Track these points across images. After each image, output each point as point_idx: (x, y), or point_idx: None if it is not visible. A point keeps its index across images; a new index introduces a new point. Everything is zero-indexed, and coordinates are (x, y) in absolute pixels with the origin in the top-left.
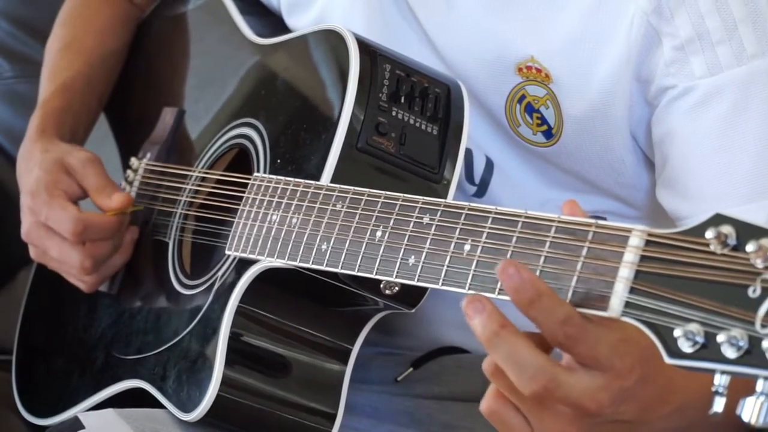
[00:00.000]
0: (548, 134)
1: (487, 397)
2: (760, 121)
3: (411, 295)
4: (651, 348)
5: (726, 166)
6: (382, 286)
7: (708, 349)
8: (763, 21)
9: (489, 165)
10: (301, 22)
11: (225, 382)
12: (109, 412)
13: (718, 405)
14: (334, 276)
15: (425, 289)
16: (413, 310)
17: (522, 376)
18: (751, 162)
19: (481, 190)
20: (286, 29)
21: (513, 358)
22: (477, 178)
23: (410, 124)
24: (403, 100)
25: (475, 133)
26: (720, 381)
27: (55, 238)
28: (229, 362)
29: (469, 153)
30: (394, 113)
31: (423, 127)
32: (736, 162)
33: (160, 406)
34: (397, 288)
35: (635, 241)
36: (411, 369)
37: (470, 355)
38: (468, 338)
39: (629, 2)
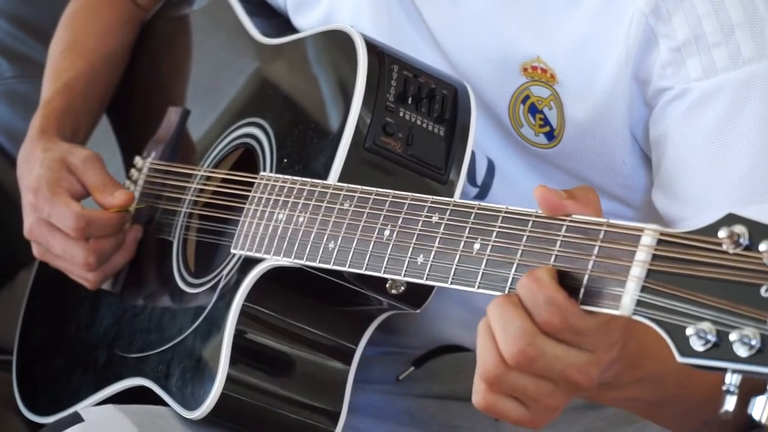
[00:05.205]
0: (550, 135)
1: (476, 392)
2: (754, 125)
3: (417, 295)
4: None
5: (718, 169)
6: (388, 285)
7: (720, 348)
8: (760, 25)
9: (490, 167)
10: (307, 20)
11: (229, 380)
12: (108, 407)
13: (730, 403)
14: (340, 275)
15: (431, 289)
16: (418, 311)
17: (506, 337)
18: (743, 166)
19: (483, 192)
20: (292, 30)
21: (503, 317)
22: (479, 180)
23: (417, 125)
24: (410, 101)
25: (478, 134)
26: (731, 380)
27: (57, 234)
28: (233, 361)
29: (471, 155)
30: (401, 114)
31: (430, 128)
32: (729, 166)
33: (164, 405)
34: (403, 288)
35: (647, 240)
36: (412, 368)
37: (471, 353)
38: (469, 336)
39: (630, 3)
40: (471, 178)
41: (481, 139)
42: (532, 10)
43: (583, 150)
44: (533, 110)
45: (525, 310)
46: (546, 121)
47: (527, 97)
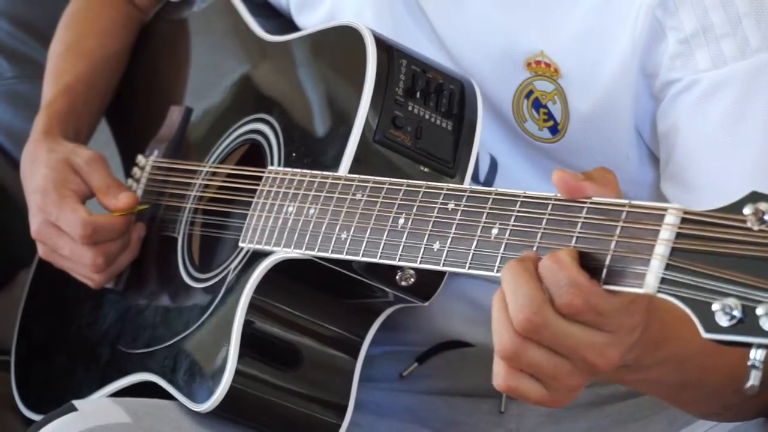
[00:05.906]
0: (554, 130)
1: (497, 375)
2: (764, 113)
3: (426, 287)
4: (651, 298)
5: (731, 158)
6: (397, 277)
7: (745, 324)
8: (767, 15)
9: (493, 164)
10: (310, 20)
11: (238, 373)
12: (102, 399)
13: (755, 378)
14: (350, 267)
15: (440, 280)
16: (427, 303)
17: (516, 304)
18: (755, 154)
19: None
20: (295, 30)
21: (514, 283)
22: (482, 177)
23: (426, 118)
24: (418, 95)
25: (481, 131)
26: (756, 355)
27: (65, 237)
28: (242, 354)
29: None
30: (410, 108)
31: (438, 122)
32: (741, 154)
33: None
34: (413, 279)
35: (671, 219)
36: (415, 364)
37: (475, 349)
38: (472, 332)
39: None
40: (474, 175)
41: (484, 135)
42: (535, 4)
43: (587, 144)
44: (537, 105)
45: (536, 278)
46: (550, 116)
47: (531, 92)
